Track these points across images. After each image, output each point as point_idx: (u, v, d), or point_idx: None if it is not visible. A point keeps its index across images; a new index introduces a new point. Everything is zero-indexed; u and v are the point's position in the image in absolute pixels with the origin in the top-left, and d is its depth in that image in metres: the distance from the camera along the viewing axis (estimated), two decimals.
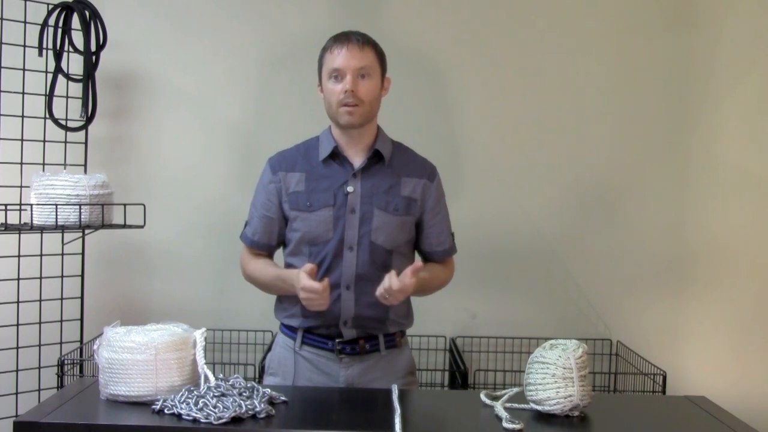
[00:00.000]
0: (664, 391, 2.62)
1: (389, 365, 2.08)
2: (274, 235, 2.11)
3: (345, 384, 2.03)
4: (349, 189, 2.02)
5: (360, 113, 1.98)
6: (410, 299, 2.13)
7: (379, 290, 1.90)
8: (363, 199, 2.02)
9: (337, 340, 2.04)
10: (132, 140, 3.05)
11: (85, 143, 2.87)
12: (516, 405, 1.71)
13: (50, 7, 2.75)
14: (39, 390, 2.75)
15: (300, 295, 1.89)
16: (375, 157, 2.05)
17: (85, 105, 2.76)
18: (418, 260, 2.11)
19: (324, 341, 2.05)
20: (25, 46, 2.73)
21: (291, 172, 2.06)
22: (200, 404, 1.57)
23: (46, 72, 2.79)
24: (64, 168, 2.79)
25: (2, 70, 2.68)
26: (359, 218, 2.01)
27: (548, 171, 3.06)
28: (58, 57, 2.79)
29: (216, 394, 1.61)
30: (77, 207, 2.48)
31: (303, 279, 1.86)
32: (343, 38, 1.99)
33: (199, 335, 1.74)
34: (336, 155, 2.05)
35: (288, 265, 2.10)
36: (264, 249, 2.13)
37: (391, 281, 1.87)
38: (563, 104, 3.05)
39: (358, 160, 2.05)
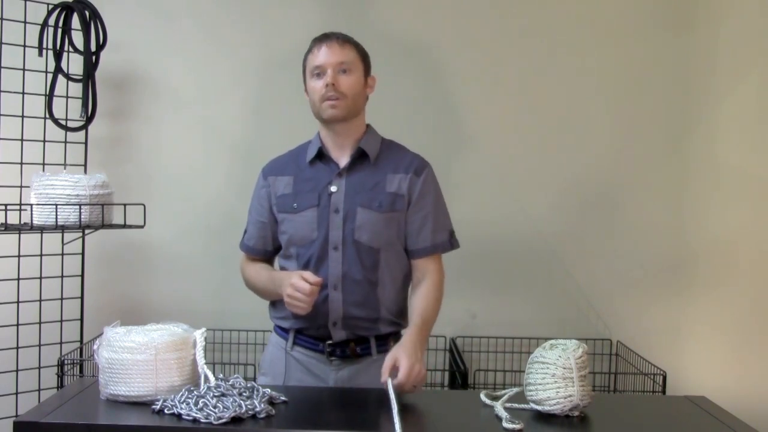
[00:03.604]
0: (664, 391, 2.62)
1: (380, 370, 2.03)
2: (269, 240, 2.12)
3: (335, 386, 2.02)
4: (333, 189, 2.02)
5: (343, 106, 1.99)
6: (406, 297, 2.10)
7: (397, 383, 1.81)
8: (346, 198, 2.02)
9: (327, 342, 2.03)
10: (132, 140, 3.05)
11: (85, 143, 2.87)
12: (516, 405, 1.71)
13: (50, 7, 2.75)
14: (39, 390, 2.75)
15: (286, 291, 1.88)
16: (361, 156, 2.05)
17: (85, 105, 2.76)
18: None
19: (315, 343, 2.05)
20: (25, 46, 2.73)
21: (280, 176, 2.08)
22: (200, 404, 1.57)
23: (46, 72, 2.79)
24: (64, 168, 2.79)
25: (2, 70, 2.68)
26: (342, 217, 2.01)
27: (548, 171, 3.06)
28: (58, 57, 2.79)
29: (216, 394, 1.61)
30: (77, 207, 2.48)
31: (294, 277, 1.87)
32: (323, 37, 2.03)
33: (199, 335, 1.74)
34: (322, 156, 2.06)
35: (281, 269, 2.12)
36: (260, 254, 2.15)
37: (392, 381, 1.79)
38: (563, 104, 3.05)
39: (343, 160, 2.06)
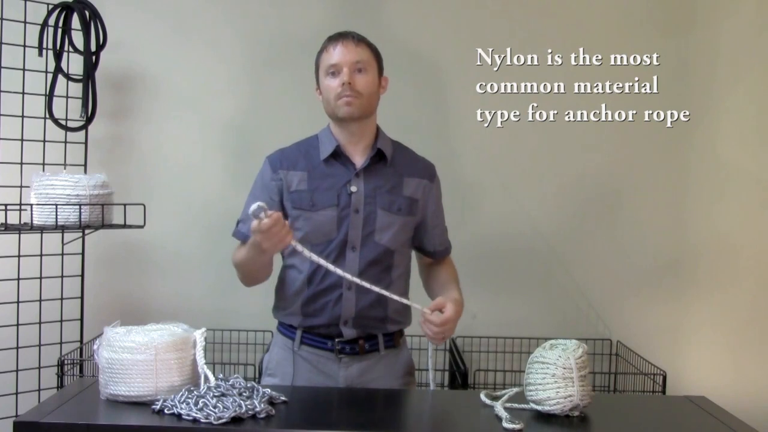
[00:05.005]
0: (664, 391, 2.62)
1: (388, 365, 2.07)
2: None
3: (344, 384, 2.03)
4: (353, 189, 2.02)
5: (358, 105, 1.98)
6: (407, 297, 2.12)
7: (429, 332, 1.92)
8: (366, 199, 2.02)
9: (336, 340, 2.04)
10: (132, 140, 3.05)
11: (85, 143, 2.87)
12: (516, 405, 1.71)
13: (50, 7, 2.75)
14: (39, 390, 2.75)
15: (257, 238, 1.80)
16: (376, 156, 2.05)
17: (85, 105, 2.76)
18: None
19: (323, 341, 2.05)
20: (25, 46, 2.73)
21: (292, 170, 2.04)
22: (200, 404, 1.57)
23: (46, 72, 2.79)
24: (64, 168, 2.79)
25: (2, 70, 2.68)
26: (363, 218, 2.01)
27: (548, 170, 3.06)
28: (58, 57, 2.79)
29: (216, 394, 1.61)
30: (77, 207, 2.48)
31: (256, 226, 1.77)
32: (338, 36, 2.02)
33: (199, 335, 1.74)
34: (338, 154, 2.05)
35: (287, 267, 2.10)
36: None
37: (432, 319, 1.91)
38: (563, 103, 3.05)
39: (359, 159, 2.05)
